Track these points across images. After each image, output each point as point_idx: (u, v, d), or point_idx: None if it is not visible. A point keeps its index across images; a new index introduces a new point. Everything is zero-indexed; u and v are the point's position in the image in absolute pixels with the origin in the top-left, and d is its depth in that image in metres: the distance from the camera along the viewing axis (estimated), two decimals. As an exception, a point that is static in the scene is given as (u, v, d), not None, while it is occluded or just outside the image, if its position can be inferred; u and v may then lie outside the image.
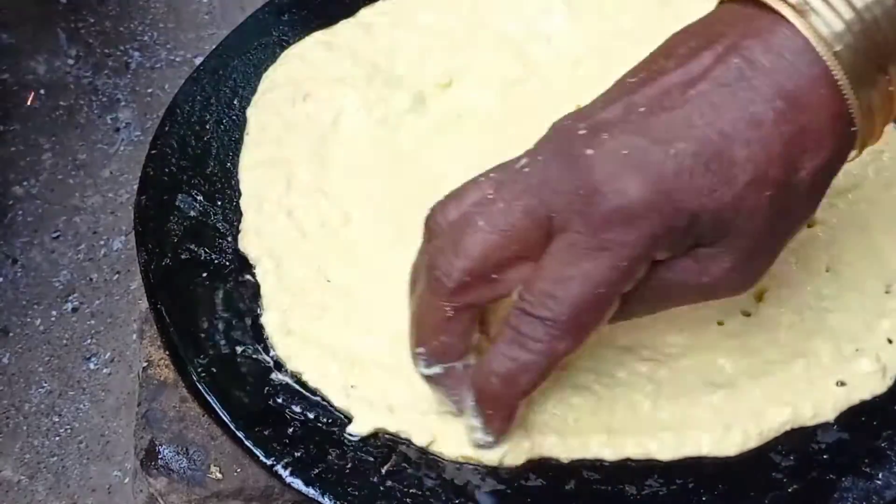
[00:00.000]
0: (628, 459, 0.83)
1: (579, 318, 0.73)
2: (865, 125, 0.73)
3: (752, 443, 0.83)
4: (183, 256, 0.94)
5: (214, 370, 0.87)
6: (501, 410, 0.79)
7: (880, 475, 0.81)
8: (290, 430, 0.84)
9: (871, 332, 0.88)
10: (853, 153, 0.75)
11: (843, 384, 0.85)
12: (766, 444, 0.83)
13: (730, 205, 0.70)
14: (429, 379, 0.81)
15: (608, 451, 0.83)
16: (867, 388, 0.85)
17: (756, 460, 0.82)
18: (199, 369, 0.87)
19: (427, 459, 0.83)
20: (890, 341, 0.88)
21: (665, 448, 0.82)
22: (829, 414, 0.84)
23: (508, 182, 0.75)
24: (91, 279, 1.43)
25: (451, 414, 0.83)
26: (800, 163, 0.71)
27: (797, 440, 0.83)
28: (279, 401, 0.86)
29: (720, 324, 0.89)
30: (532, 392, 0.77)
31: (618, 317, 0.76)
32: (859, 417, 0.84)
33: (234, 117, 1.05)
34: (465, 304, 0.76)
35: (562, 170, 0.72)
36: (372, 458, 0.82)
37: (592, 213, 0.71)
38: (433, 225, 0.78)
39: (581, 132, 0.73)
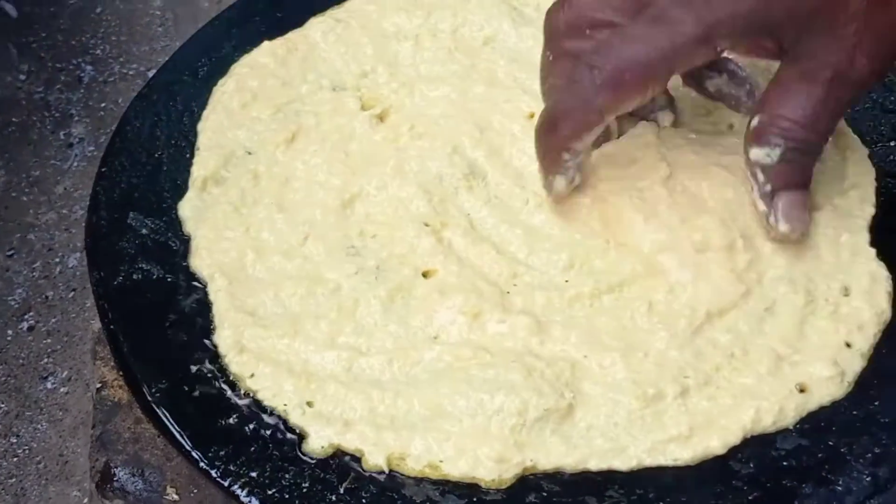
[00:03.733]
0: (588, 471, 0.82)
1: (622, 76, 0.83)
2: None
3: (712, 451, 0.82)
4: (135, 276, 0.93)
5: (169, 390, 0.86)
6: (546, 154, 0.90)
7: (840, 481, 0.80)
8: (247, 449, 0.83)
9: (828, 337, 0.88)
10: None
11: (801, 390, 0.85)
12: (726, 453, 0.83)
13: None
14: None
15: (569, 459, 0.82)
16: (826, 393, 0.85)
17: (716, 469, 0.82)
18: (154, 390, 0.86)
19: (386, 476, 0.82)
20: (848, 345, 0.88)
21: (625, 459, 0.82)
22: (788, 420, 0.84)
23: None
24: (47, 297, 1.42)
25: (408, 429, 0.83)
26: None
27: (757, 447, 0.83)
28: (235, 420, 0.85)
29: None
30: (572, 144, 0.87)
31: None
32: (819, 423, 0.84)
33: (184, 132, 1.04)
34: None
35: None
36: (330, 477, 0.82)
37: None
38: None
39: None
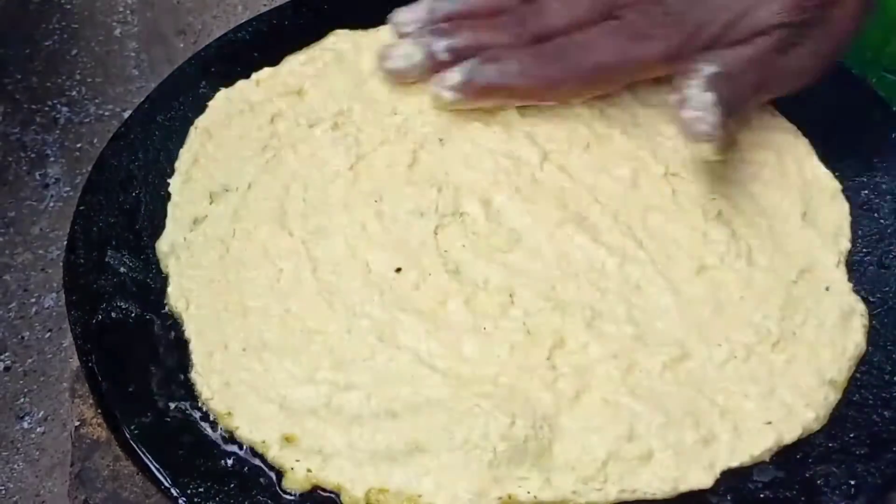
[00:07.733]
0: (565, 502, 0.82)
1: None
2: None
3: (690, 485, 0.83)
4: (114, 314, 0.93)
5: (148, 427, 0.86)
6: None
7: (817, 512, 0.81)
8: (226, 486, 0.83)
9: (804, 369, 0.89)
10: None
11: (778, 423, 0.86)
12: (704, 486, 0.83)
13: None
14: None
15: (548, 492, 0.83)
16: (802, 425, 0.86)
17: (694, 502, 0.82)
18: (133, 427, 0.86)
19: (367, 512, 0.82)
20: (823, 378, 0.88)
21: (603, 493, 0.82)
22: (764, 452, 0.84)
23: None
24: (23, 337, 1.42)
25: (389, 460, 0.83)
26: None
27: (734, 480, 0.83)
28: (214, 456, 0.85)
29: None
30: None
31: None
32: (795, 455, 0.85)
33: (162, 170, 1.04)
34: None
35: None
36: (310, 513, 0.82)
37: None
38: None
39: None
